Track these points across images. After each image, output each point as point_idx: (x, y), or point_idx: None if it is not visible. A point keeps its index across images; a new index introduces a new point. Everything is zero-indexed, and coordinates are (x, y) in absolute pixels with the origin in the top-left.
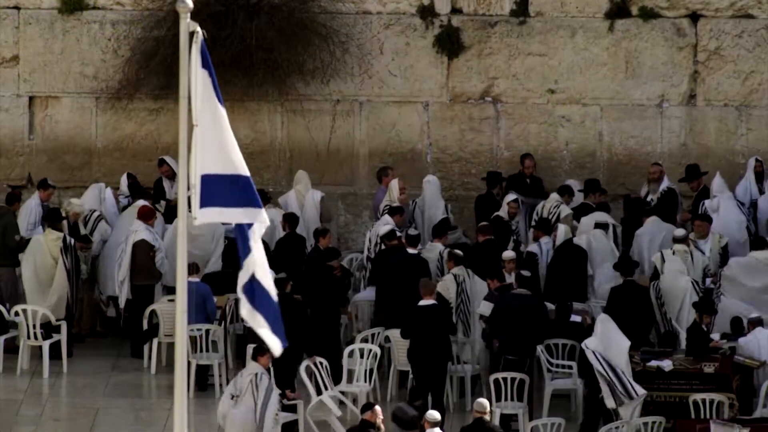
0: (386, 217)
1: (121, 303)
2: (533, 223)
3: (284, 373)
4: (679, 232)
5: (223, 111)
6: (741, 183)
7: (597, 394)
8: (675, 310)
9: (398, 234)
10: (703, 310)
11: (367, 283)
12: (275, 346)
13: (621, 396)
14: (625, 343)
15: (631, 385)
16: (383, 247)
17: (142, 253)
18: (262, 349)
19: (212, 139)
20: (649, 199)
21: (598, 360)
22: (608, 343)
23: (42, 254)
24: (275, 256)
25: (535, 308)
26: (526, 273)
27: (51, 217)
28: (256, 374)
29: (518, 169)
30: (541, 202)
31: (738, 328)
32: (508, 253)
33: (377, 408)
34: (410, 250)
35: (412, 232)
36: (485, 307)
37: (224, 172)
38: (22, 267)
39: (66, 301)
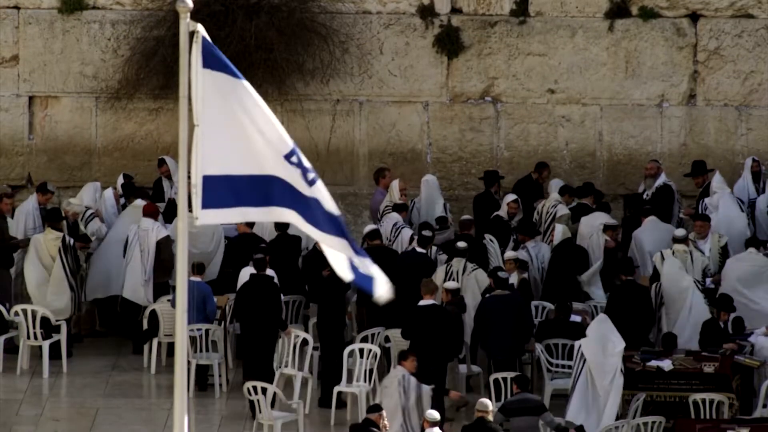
0: (394, 214)
1: (150, 300)
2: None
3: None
4: (680, 232)
5: (236, 108)
6: (738, 183)
7: None
8: (676, 310)
9: (412, 232)
10: (721, 307)
11: None
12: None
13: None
14: (620, 345)
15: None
16: (365, 245)
17: (167, 249)
18: (405, 353)
19: (214, 139)
20: (645, 195)
21: (581, 370)
22: (604, 344)
23: (42, 254)
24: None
25: (517, 307)
26: (523, 275)
27: (51, 217)
28: (403, 376)
29: (527, 173)
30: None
31: (739, 328)
32: (510, 253)
33: (384, 412)
34: (419, 249)
35: (426, 233)
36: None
37: (227, 172)
38: (24, 268)
39: (72, 300)
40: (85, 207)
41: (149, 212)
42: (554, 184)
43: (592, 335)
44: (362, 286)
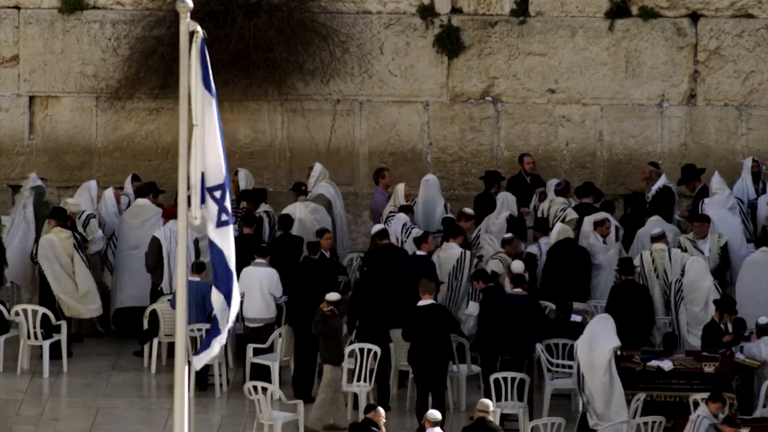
0: (401, 215)
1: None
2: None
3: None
4: (656, 231)
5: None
6: (737, 183)
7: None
8: (697, 309)
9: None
10: (724, 309)
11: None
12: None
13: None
14: (611, 343)
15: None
16: (374, 246)
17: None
18: (715, 395)
19: (210, 138)
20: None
21: (579, 373)
22: (594, 343)
23: (58, 254)
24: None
25: (531, 308)
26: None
27: (58, 216)
28: (698, 416)
29: (518, 170)
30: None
31: (740, 328)
32: (517, 265)
33: (380, 409)
34: (418, 252)
35: (416, 234)
36: (473, 308)
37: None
38: (43, 269)
39: (99, 294)
40: (82, 209)
41: (172, 214)
42: (550, 184)
43: (585, 334)
44: (206, 341)
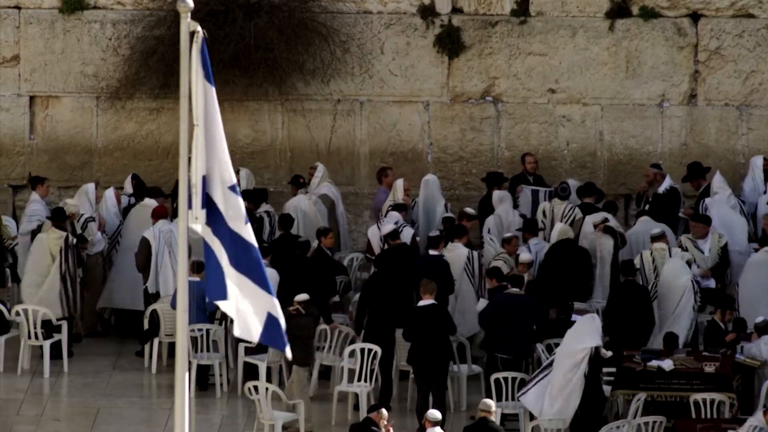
0: (394, 213)
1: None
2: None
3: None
4: (656, 230)
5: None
6: (746, 182)
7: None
8: (671, 307)
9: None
10: (725, 306)
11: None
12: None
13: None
14: (590, 343)
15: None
16: (386, 246)
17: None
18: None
19: (218, 137)
20: (643, 201)
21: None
22: (578, 338)
23: (42, 252)
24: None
25: (529, 308)
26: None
27: (55, 216)
28: (753, 426)
29: (520, 170)
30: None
31: (741, 327)
32: (525, 256)
33: (383, 410)
34: (431, 252)
35: (433, 233)
36: (482, 305)
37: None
38: (26, 264)
39: (61, 300)
40: (81, 212)
41: (161, 214)
42: (573, 185)
43: (572, 330)
44: (272, 343)
